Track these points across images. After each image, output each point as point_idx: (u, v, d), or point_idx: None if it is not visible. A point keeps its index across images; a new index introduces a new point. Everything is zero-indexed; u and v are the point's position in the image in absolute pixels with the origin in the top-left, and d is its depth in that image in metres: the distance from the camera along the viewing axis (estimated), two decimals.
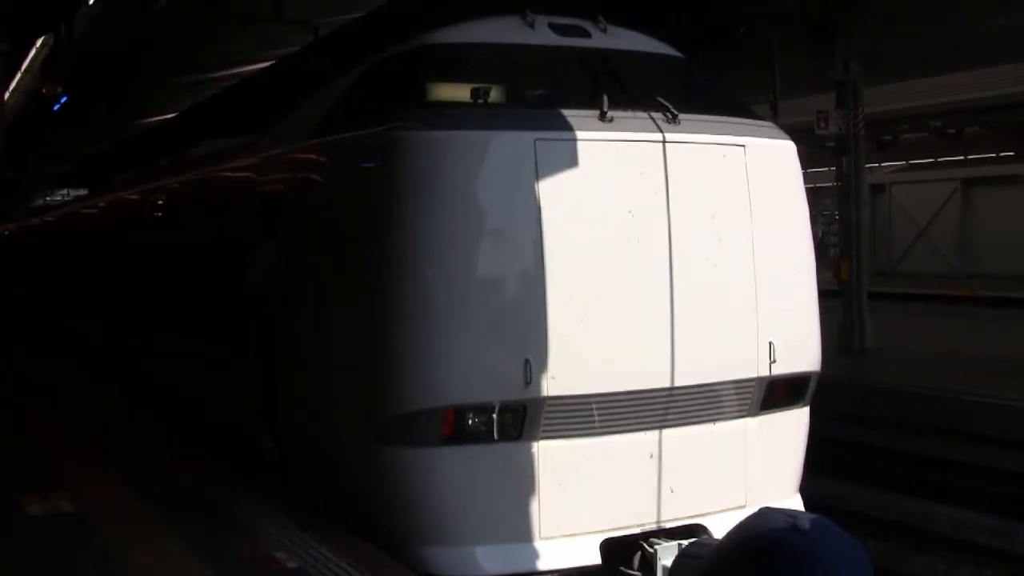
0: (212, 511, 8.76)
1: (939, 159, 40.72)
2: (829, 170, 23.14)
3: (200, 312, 12.19)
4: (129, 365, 16.26)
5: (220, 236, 11.51)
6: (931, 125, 36.94)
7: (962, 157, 39.54)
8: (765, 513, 2.10)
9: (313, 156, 9.25)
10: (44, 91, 18.18)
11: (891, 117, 32.94)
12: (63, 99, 18.39)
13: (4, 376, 16.59)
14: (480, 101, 8.47)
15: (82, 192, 24.51)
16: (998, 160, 38.11)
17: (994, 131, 36.80)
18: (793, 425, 9.20)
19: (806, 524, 2.04)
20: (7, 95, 21.13)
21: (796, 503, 9.26)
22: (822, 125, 19.05)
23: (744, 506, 8.74)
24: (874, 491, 15.10)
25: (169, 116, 23.51)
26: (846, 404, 15.29)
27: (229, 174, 11.58)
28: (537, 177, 7.80)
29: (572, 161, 7.92)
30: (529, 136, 7.85)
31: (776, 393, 8.90)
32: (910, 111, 33.15)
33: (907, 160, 41.84)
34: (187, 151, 14.71)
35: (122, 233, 17.19)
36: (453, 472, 7.89)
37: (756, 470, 8.82)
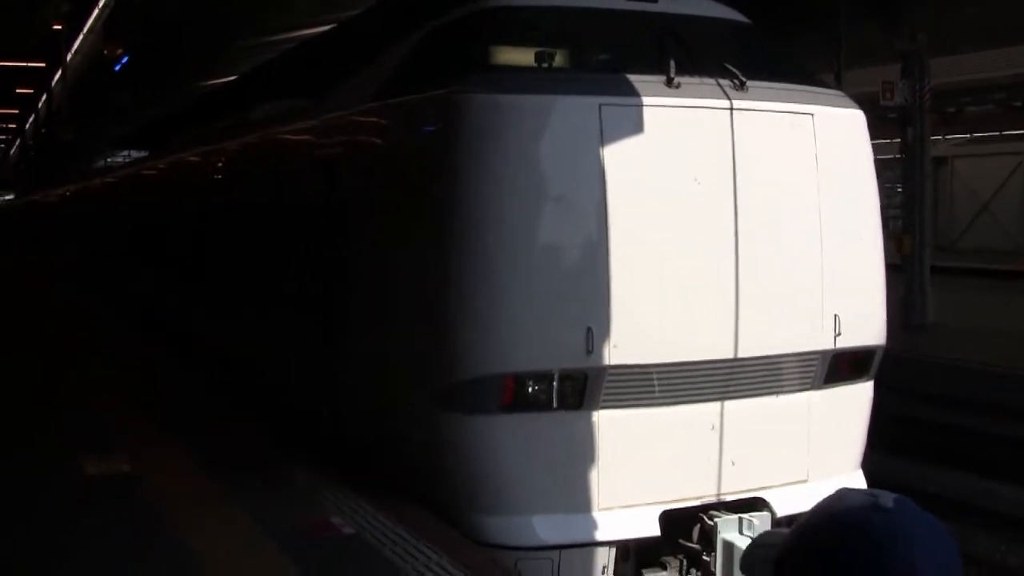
0: (268, 476, 8.75)
1: (1004, 132, 40.05)
2: (891, 142, 22.80)
3: (257, 277, 12.16)
4: (188, 330, 16.28)
5: (278, 199, 11.44)
6: (996, 97, 36.30)
7: None
8: (844, 493, 2.01)
9: (375, 119, 9.16)
10: (106, 52, 18.21)
11: (955, 89, 32.37)
12: (124, 59, 18.42)
13: (56, 339, 16.66)
14: (544, 65, 8.36)
15: (143, 154, 24.58)
16: None
17: None
18: (857, 399, 9.06)
19: (888, 503, 1.94)
20: (70, 56, 21.34)
21: (858, 478, 9.13)
22: (888, 96, 18.73)
23: (806, 480, 8.64)
24: (935, 468, 14.92)
25: (229, 79, 23.53)
26: (908, 380, 15.05)
27: (289, 137, 11.50)
28: (602, 143, 7.67)
29: (637, 127, 7.79)
30: (594, 101, 7.72)
31: (840, 366, 8.76)
32: (975, 83, 32.55)
33: (971, 133, 41.19)
34: (247, 114, 14.66)
35: (179, 197, 17.20)
36: (512, 440, 7.82)
37: (818, 444, 8.70)
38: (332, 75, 10.92)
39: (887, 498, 1.96)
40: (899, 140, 19.82)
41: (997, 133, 40.49)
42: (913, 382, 15.14)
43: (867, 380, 9.12)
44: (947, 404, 15.75)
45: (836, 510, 1.98)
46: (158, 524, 7.57)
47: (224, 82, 23.54)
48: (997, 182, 38.33)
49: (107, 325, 19.14)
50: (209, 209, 14.73)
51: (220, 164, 14.35)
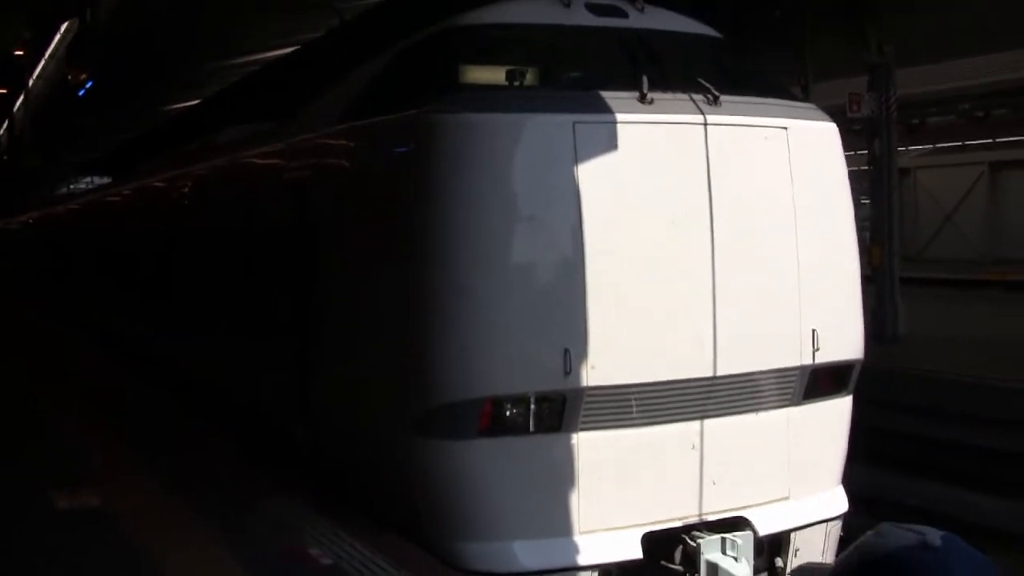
0: (244, 505, 8.57)
1: (966, 143, 40.27)
2: (857, 154, 22.81)
3: (227, 301, 11.99)
4: (156, 354, 16.07)
5: (248, 223, 11.28)
6: (959, 108, 36.49)
7: (990, 140, 39.09)
8: (889, 530, 1.92)
9: (344, 141, 9.03)
10: (69, 77, 18.03)
11: (919, 100, 32.52)
12: (88, 84, 18.23)
13: (25, 366, 16.43)
14: (516, 84, 8.26)
15: (108, 180, 24.33)
16: None
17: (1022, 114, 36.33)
18: (836, 414, 8.99)
19: (936, 541, 1.86)
20: (31, 82, 21.09)
21: (838, 494, 9.07)
22: (855, 108, 18.73)
23: (787, 498, 8.58)
24: (913, 480, 14.90)
25: (196, 103, 23.32)
26: (884, 392, 15.01)
27: (257, 160, 11.36)
28: (576, 161, 7.58)
29: (612, 144, 7.70)
30: (568, 119, 7.63)
31: (819, 382, 8.69)
32: (939, 94, 32.72)
33: (934, 144, 41.40)
34: (214, 138, 14.51)
35: (146, 223, 17.02)
36: (491, 465, 7.69)
37: (799, 461, 8.63)
38: (300, 97, 10.80)
39: (934, 536, 1.87)
40: (866, 152, 19.82)
41: (960, 144, 40.70)
42: (888, 395, 15.10)
43: (846, 395, 9.05)
44: (924, 416, 15.73)
45: (882, 550, 1.90)
46: (132, 558, 7.39)
47: (191, 106, 23.36)
48: (960, 193, 38.55)
49: (80, 351, 18.89)
50: (176, 234, 14.55)
51: (186, 189, 14.19)
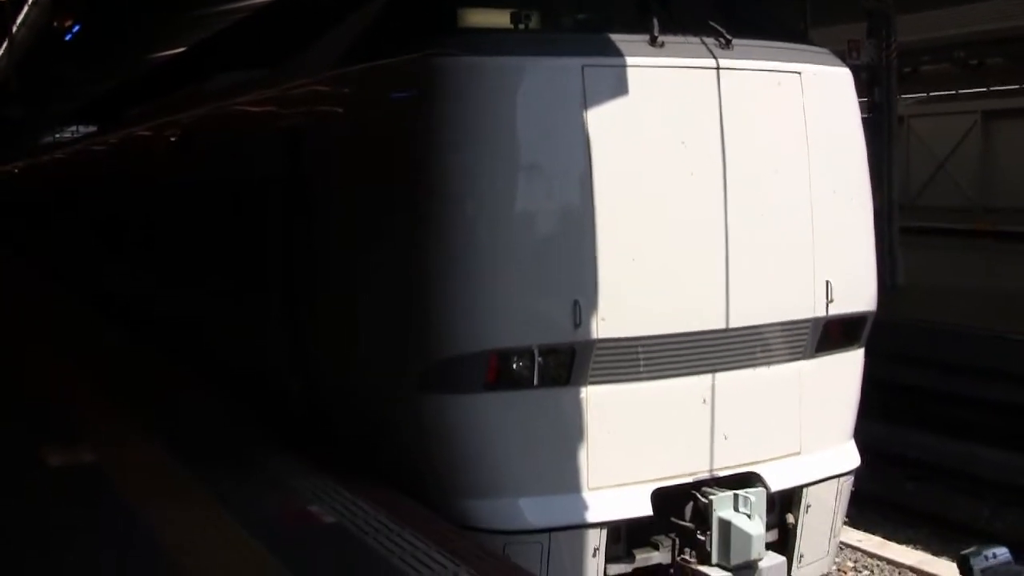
0: (241, 463, 8.33)
1: (960, 91, 39.95)
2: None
3: (219, 254, 11.68)
4: (150, 311, 15.77)
5: (238, 173, 10.95)
6: (953, 56, 36.13)
7: (984, 89, 38.78)
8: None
9: (341, 86, 8.71)
10: (55, 23, 17.61)
11: (912, 48, 32.17)
12: (75, 29, 17.82)
13: (17, 325, 16.13)
14: (521, 26, 7.96)
15: (92, 130, 23.90)
16: (1021, 92, 37.35)
17: (1018, 63, 36.01)
18: (848, 368, 8.80)
19: None
20: (15, 28, 20.64)
21: (850, 449, 8.89)
22: (853, 54, 18.40)
23: (799, 453, 8.41)
24: (915, 433, 14.77)
25: (182, 50, 22.87)
26: (887, 344, 14.89)
27: (247, 108, 11.03)
28: (585, 106, 7.31)
29: (622, 89, 7.43)
30: (576, 62, 7.35)
31: (832, 334, 8.50)
32: (934, 41, 32.37)
33: (927, 92, 41.07)
34: (201, 85, 14.13)
35: (133, 173, 16.67)
36: (497, 420, 7.47)
37: (810, 415, 8.44)
38: (293, 42, 10.46)
39: None
40: (866, 99, 19.52)
41: (953, 92, 40.37)
42: (894, 347, 14.93)
43: (858, 347, 8.85)
44: (923, 367, 15.59)
45: None
46: (126, 517, 7.15)
47: (180, 52, 22.89)
48: (953, 142, 38.28)
49: (67, 307, 18.59)
50: (164, 186, 14.21)
51: (176, 138, 13.84)
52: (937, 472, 14.11)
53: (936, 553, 11.49)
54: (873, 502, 12.25)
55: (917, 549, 11.59)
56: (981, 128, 37.73)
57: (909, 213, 33.79)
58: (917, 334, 16.09)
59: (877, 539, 11.59)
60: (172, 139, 13.92)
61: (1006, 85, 37.57)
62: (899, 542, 11.75)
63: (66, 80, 29.55)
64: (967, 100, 39.30)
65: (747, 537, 7.64)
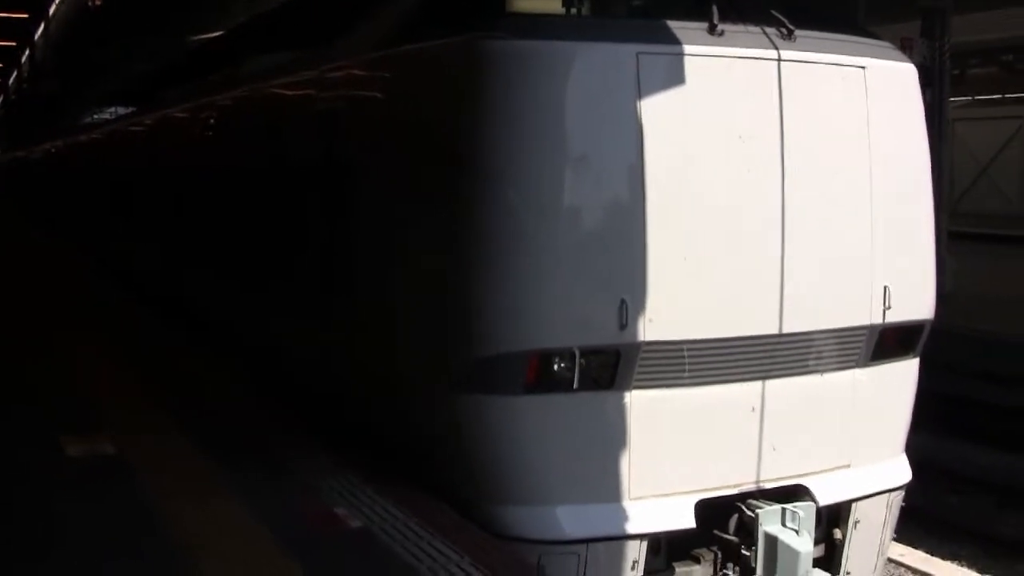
0: (265, 459, 7.98)
1: (1006, 95, 39.38)
2: None
3: (253, 243, 11.35)
4: (179, 296, 15.48)
5: (274, 160, 10.60)
6: (1001, 60, 35.60)
7: None
8: None
9: (384, 69, 8.35)
10: (91, 2, 17.37)
11: (960, 50, 31.66)
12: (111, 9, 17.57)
13: (41, 306, 15.87)
14: (573, 10, 7.59)
15: (129, 111, 23.67)
16: None
17: None
18: (903, 378, 8.41)
19: None
20: (53, 8, 20.42)
21: (901, 463, 8.50)
22: (906, 53, 17.97)
23: (849, 466, 8.03)
24: (971, 448, 14.35)
25: (220, 32, 22.58)
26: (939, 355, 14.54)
27: (288, 92, 10.68)
28: (639, 95, 6.93)
29: (678, 78, 7.05)
30: (631, 49, 6.97)
31: (887, 342, 8.10)
32: (984, 44, 31.86)
33: (973, 96, 40.50)
34: (238, 68, 13.80)
35: (167, 156, 16.38)
36: (535, 423, 7.10)
37: (862, 426, 8.07)
38: (335, 22, 10.10)
39: None
40: None
41: (999, 96, 39.80)
42: (944, 357, 14.56)
43: (913, 357, 8.45)
44: (975, 377, 15.18)
45: None
46: (145, 513, 6.84)
47: (217, 35, 22.58)
48: (996, 146, 37.72)
49: (97, 289, 18.34)
50: (200, 170, 13.91)
51: (212, 121, 13.53)
52: (978, 485, 13.70)
53: (982, 570, 11.10)
54: (915, 514, 11.86)
55: (963, 566, 11.18)
56: None
57: (952, 218, 33.42)
58: (960, 341, 15.65)
59: (920, 554, 11.20)
60: (208, 122, 13.62)
61: None
62: (943, 557, 11.36)
63: (102, 61, 29.40)
64: (1012, 105, 38.76)
65: (795, 554, 7.27)
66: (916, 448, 8.76)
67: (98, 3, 17.04)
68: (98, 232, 23.94)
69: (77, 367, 11.24)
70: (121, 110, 25.09)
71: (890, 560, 10.65)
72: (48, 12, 24.57)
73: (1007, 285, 20.64)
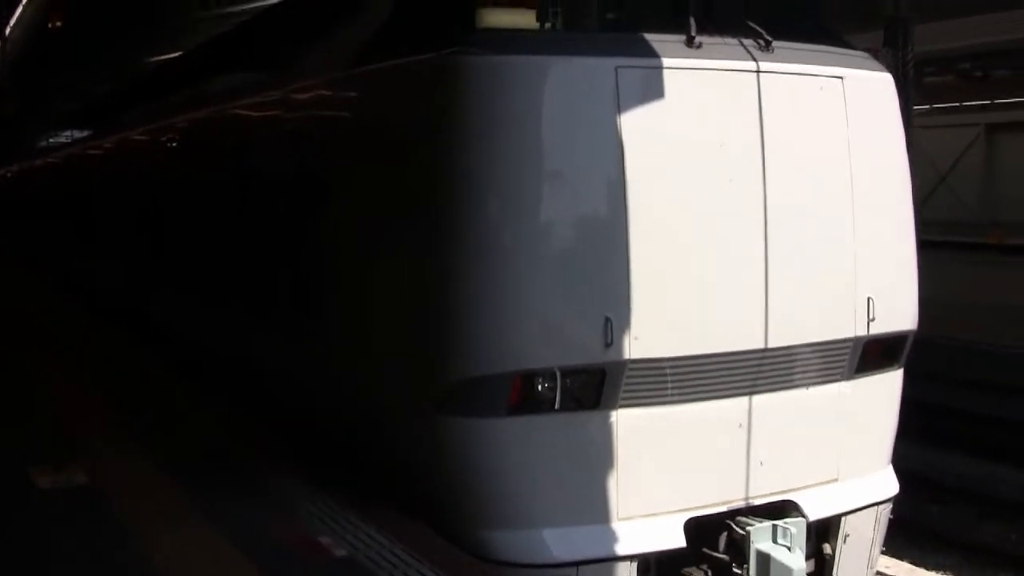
0: (244, 486, 7.79)
1: (963, 103, 39.56)
2: None
3: (224, 264, 11.15)
4: (149, 317, 15.23)
5: (244, 181, 10.43)
6: (959, 68, 35.73)
7: (988, 102, 38.39)
8: None
9: (354, 87, 8.20)
10: (49, 25, 17.13)
11: (918, 59, 31.75)
12: (67, 31, 17.34)
13: (12, 330, 15.58)
14: (548, 25, 7.47)
15: (89, 133, 23.41)
16: None
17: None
18: (888, 389, 8.34)
19: None
20: (8, 29, 20.18)
21: (888, 475, 8.42)
22: None
23: (836, 479, 7.93)
24: (935, 452, 14.31)
25: (184, 52, 22.33)
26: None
27: (254, 113, 10.51)
28: (619, 110, 6.83)
29: (657, 92, 6.95)
30: (609, 63, 6.87)
31: (871, 354, 8.02)
32: (945, 52, 31.97)
33: (931, 104, 40.69)
34: (201, 88, 13.59)
35: (129, 179, 16.15)
36: (520, 445, 6.97)
37: (849, 439, 7.99)
38: (300, 41, 9.95)
39: None
40: None
41: (957, 104, 39.96)
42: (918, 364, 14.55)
43: (897, 368, 8.38)
44: (942, 384, 15.15)
45: None
46: (120, 544, 6.66)
47: (181, 55, 22.36)
48: (955, 154, 37.90)
49: (62, 311, 18.05)
50: (163, 193, 13.70)
51: (174, 143, 13.33)
52: (959, 494, 13.66)
53: None
54: (899, 525, 11.81)
55: None
56: (984, 141, 37.37)
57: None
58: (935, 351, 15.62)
59: (906, 565, 11.15)
60: (170, 144, 13.42)
61: (1011, 98, 37.21)
62: (928, 568, 11.30)
63: (62, 82, 29.06)
64: (970, 113, 38.96)
65: (788, 571, 7.16)
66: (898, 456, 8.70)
67: (58, 24, 16.82)
68: (67, 254, 23.65)
69: (45, 390, 11.01)
70: (79, 133, 24.89)
71: (877, 573, 10.58)
72: (3, 32, 24.29)
73: (971, 292, 20.69)
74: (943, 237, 31.63)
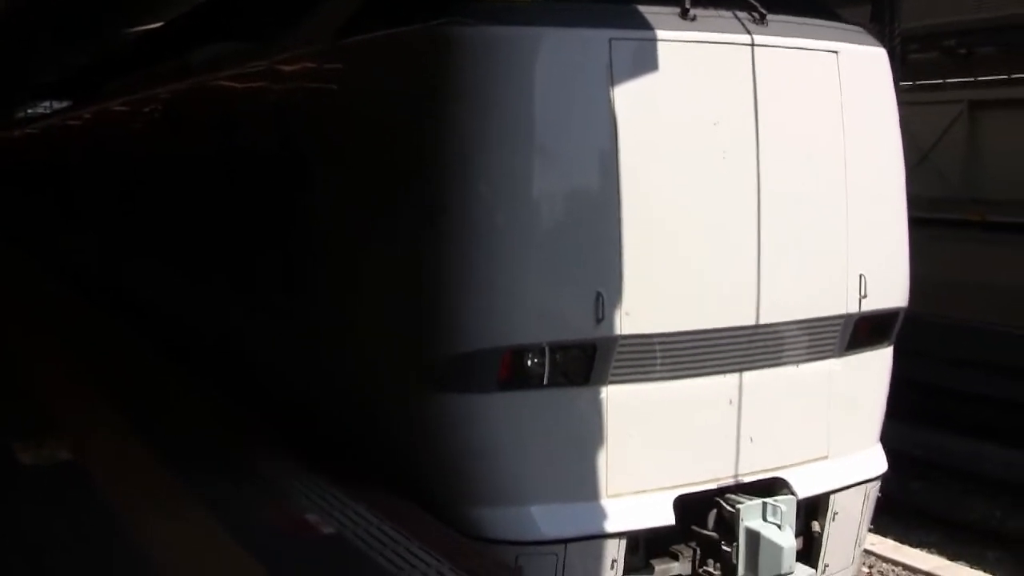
0: (231, 464, 7.69)
1: (947, 80, 39.52)
2: None
3: (215, 237, 11.01)
4: (131, 294, 15.09)
5: (229, 155, 10.27)
6: (943, 44, 35.67)
7: (971, 79, 38.36)
8: None
9: (342, 59, 8.08)
10: None
11: (903, 35, 31.66)
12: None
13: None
14: None
15: (68, 105, 23.11)
16: (1009, 82, 36.97)
17: (1008, 52, 35.59)
18: (877, 367, 8.30)
19: None
20: None
21: (877, 453, 8.39)
22: None
23: (826, 457, 7.89)
24: (918, 429, 14.30)
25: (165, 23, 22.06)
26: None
27: (240, 84, 10.37)
28: (612, 82, 6.73)
29: (651, 64, 6.86)
30: (603, 35, 6.77)
31: (862, 331, 7.98)
32: (924, 29, 31.91)
33: (914, 81, 40.63)
34: (183, 59, 13.41)
35: (108, 152, 15.98)
36: (510, 421, 6.91)
37: (839, 417, 7.95)
38: (288, 9, 9.80)
39: None
40: None
41: (940, 81, 39.93)
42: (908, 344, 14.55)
43: (887, 345, 8.33)
44: (924, 361, 15.14)
45: None
46: (106, 523, 6.56)
47: (161, 26, 22.12)
48: (938, 131, 37.91)
49: (45, 289, 17.86)
50: (147, 167, 13.54)
51: (154, 117, 13.17)
52: (943, 471, 13.67)
53: (952, 558, 11.05)
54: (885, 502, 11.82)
55: (932, 553, 11.14)
56: (967, 118, 37.37)
57: None
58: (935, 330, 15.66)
59: (891, 542, 11.14)
60: (151, 116, 13.26)
61: (994, 75, 37.17)
62: (912, 545, 11.31)
63: (43, 53, 28.75)
64: (953, 90, 38.93)
65: (778, 549, 7.11)
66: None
67: None
68: (45, 230, 23.45)
69: (30, 371, 10.88)
70: (58, 105, 24.68)
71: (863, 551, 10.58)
72: None
73: (955, 270, 20.70)
74: (927, 214, 31.72)
